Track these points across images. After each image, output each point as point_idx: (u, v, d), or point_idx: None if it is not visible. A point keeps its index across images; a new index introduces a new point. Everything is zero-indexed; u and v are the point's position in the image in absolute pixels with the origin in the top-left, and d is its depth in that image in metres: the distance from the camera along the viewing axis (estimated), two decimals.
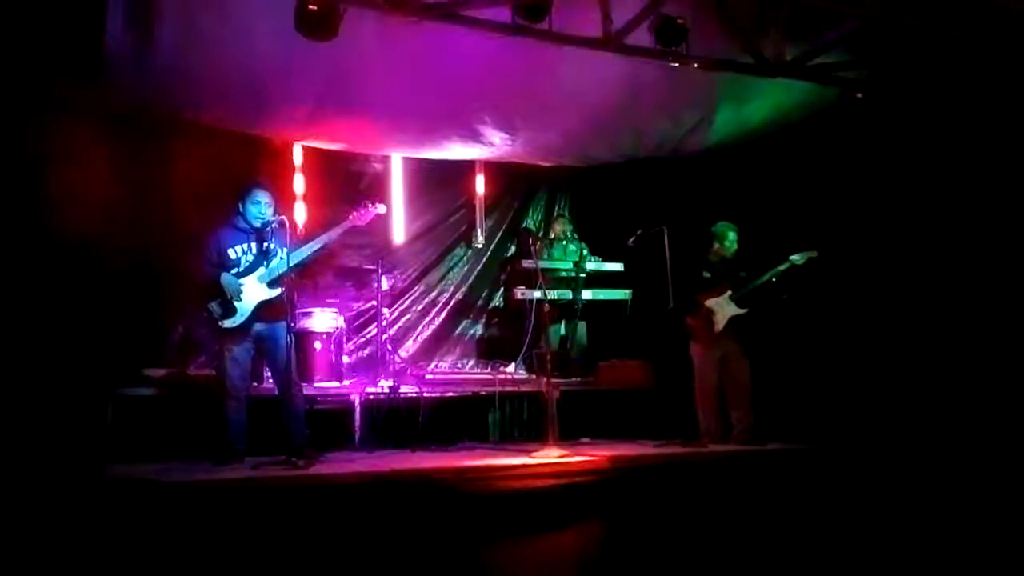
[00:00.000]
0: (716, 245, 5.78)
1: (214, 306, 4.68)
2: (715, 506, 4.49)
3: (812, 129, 6.02)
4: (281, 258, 4.71)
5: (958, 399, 5.01)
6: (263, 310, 4.73)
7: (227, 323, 4.68)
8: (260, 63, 5.11)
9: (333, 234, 4.86)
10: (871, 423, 5.28)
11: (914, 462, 4.72)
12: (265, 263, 4.76)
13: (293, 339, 4.68)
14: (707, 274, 5.75)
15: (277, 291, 4.70)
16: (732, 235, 5.76)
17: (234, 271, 4.73)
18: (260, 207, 4.79)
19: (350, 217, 4.90)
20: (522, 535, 4.08)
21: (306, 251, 4.79)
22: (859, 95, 5.44)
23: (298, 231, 4.87)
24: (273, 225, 4.75)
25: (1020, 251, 4.97)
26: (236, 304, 4.68)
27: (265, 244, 4.80)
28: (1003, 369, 4.91)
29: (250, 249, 4.81)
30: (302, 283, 5.12)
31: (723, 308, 5.62)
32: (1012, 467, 4.53)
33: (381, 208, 5.00)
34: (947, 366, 5.15)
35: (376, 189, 6.77)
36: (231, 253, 4.78)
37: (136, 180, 5.74)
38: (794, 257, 5.50)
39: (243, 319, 4.70)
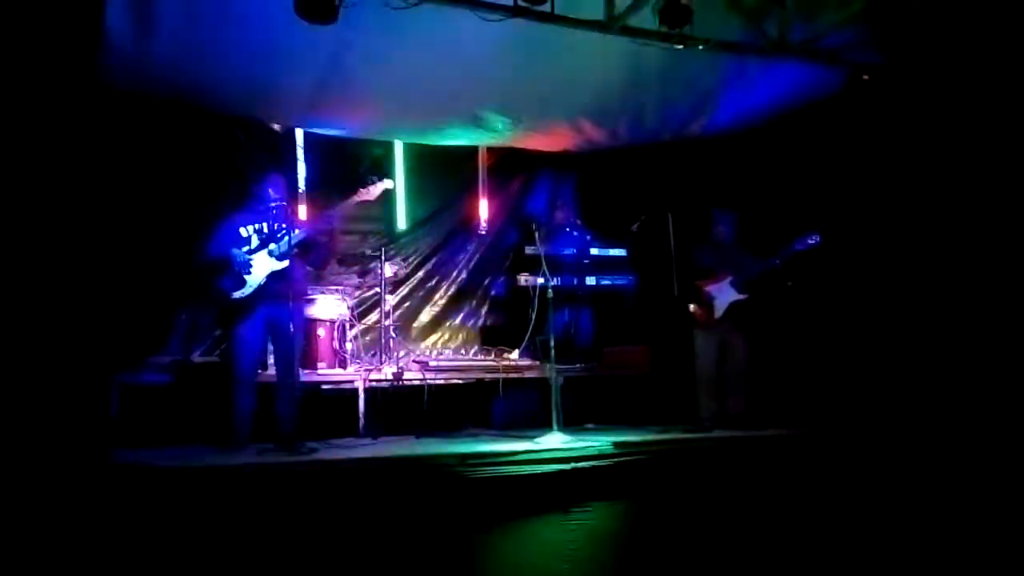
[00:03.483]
0: (716, 230, 5.75)
1: (225, 280, 4.76)
2: (718, 490, 4.50)
3: (819, 113, 5.96)
4: (288, 235, 4.82)
5: (956, 387, 4.98)
6: (273, 287, 4.78)
7: (237, 294, 4.75)
8: (261, 47, 5.08)
9: (343, 208, 5.01)
10: (869, 409, 5.27)
11: (908, 447, 4.72)
12: (275, 240, 4.85)
13: (303, 323, 4.82)
14: (708, 259, 5.71)
15: (285, 263, 4.79)
16: (732, 221, 5.72)
17: (245, 249, 4.82)
18: (273, 190, 4.91)
19: (359, 192, 5.01)
20: (527, 520, 4.10)
21: (314, 225, 4.96)
22: (866, 77, 5.38)
23: (297, 214, 4.96)
24: (281, 206, 4.87)
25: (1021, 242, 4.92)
26: (246, 277, 4.76)
27: (274, 224, 4.89)
28: (1001, 361, 4.87)
29: (260, 229, 4.91)
30: (306, 267, 5.13)
31: (724, 294, 5.59)
32: (1007, 455, 4.52)
33: (388, 182, 5.11)
34: (946, 354, 5.13)
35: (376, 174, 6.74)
36: (242, 232, 4.88)
37: (139, 165, 5.74)
38: (796, 243, 5.44)
39: (252, 289, 4.77)
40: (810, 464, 4.70)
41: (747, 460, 4.69)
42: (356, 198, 5.00)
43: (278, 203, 4.89)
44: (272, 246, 4.83)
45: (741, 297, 5.57)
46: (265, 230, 4.90)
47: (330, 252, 5.18)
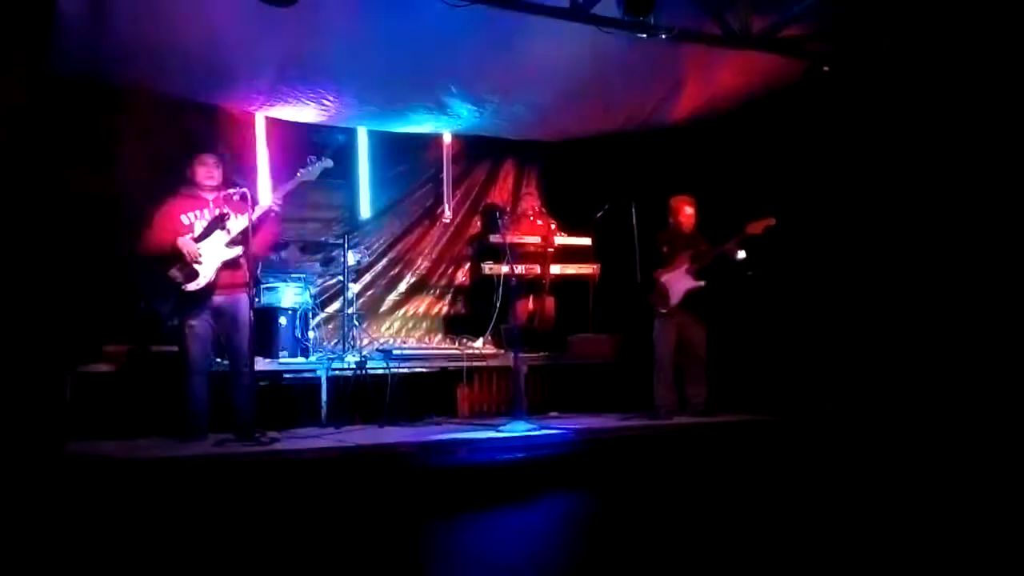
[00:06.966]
0: (672, 218, 5.77)
1: (175, 272, 4.61)
2: (680, 478, 4.54)
3: (780, 102, 6.03)
4: (231, 220, 4.69)
5: (916, 372, 5.08)
6: (224, 275, 4.67)
7: (191, 286, 4.61)
8: (220, 31, 4.98)
9: (284, 190, 4.88)
10: (829, 395, 5.36)
11: (870, 432, 4.81)
12: (221, 227, 4.70)
13: (252, 315, 4.68)
14: (665, 248, 5.73)
15: (237, 251, 4.67)
16: (688, 208, 5.75)
17: (189, 236, 4.67)
18: (205, 170, 4.77)
19: (298, 173, 4.88)
20: (489, 509, 4.10)
21: (260, 210, 4.78)
22: (826, 68, 5.44)
23: (244, 199, 4.81)
24: (231, 194, 4.72)
25: (982, 226, 5.02)
26: (197, 267, 4.63)
27: (219, 210, 4.75)
28: (963, 344, 4.98)
29: (203, 215, 4.76)
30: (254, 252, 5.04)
31: (680, 281, 5.62)
32: (971, 439, 4.63)
33: (328, 162, 4.98)
34: (904, 338, 5.23)
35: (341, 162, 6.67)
36: (183, 219, 4.72)
37: (94, 153, 5.61)
38: (750, 226, 5.41)
39: (206, 281, 4.64)
40: (770, 450, 4.77)
41: (708, 447, 4.75)
42: (296, 179, 4.87)
43: (215, 186, 4.75)
44: (218, 232, 4.68)
45: (697, 284, 5.58)
46: (207, 216, 4.74)
47: (274, 236, 5.04)
